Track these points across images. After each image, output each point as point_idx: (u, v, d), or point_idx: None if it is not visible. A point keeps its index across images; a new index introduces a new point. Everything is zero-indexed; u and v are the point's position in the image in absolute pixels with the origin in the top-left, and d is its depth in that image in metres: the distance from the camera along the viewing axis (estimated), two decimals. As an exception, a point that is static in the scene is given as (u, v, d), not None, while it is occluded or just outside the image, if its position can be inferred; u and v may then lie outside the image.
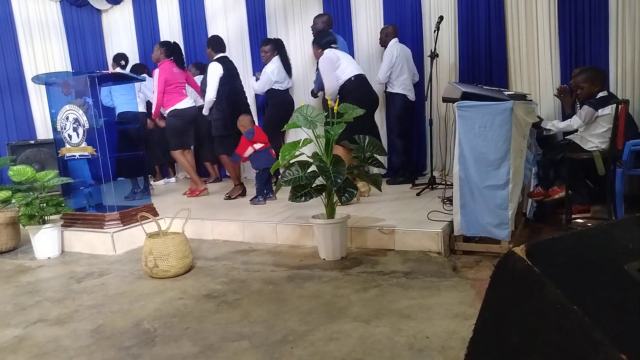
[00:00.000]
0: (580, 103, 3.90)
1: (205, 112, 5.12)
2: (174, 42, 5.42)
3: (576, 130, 3.61)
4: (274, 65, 5.52)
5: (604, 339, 0.78)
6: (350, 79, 4.53)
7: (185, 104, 5.20)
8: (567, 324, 0.84)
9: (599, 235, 1.05)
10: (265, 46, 5.61)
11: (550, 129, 3.67)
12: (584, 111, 3.45)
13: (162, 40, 6.49)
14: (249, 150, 4.61)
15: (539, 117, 3.64)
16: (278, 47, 5.63)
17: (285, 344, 2.04)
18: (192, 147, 5.72)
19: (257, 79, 5.71)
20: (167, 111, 5.19)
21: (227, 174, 5.29)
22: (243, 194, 4.99)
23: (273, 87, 5.59)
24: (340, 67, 4.54)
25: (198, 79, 5.95)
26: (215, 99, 4.97)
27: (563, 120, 3.75)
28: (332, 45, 4.66)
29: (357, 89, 4.47)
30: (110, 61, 6.03)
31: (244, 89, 5.29)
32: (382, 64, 5.15)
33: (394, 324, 2.15)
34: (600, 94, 3.50)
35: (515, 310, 0.96)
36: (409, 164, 5.32)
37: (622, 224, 1.07)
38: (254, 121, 5.07)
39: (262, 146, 4.65)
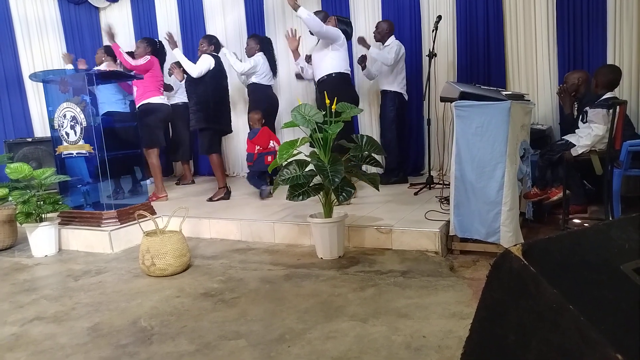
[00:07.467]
0: (578, 103, 3.91)
1: (188, 69, 4.82)
2: (160, 42, 5.35)
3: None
4: (258, 57, 5.50)
5: (600, 338, 0.78)
6: (331, 74, 4.53)
7: (159, 99, 5.09)
8: (563, 323, 0.84)
9: (595, 235, 1.05)
10: (249, 39, 5.67)
11: (581, 152, 3.47)
12: (599, 114, 3.36)
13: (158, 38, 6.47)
14: (256, 149, 4.76)
15: (565, 140, 3.57)
16: (264, 45, 5.61)
17: (282, 343, 2.04)
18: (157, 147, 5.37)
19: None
20: (139, 104, 4.99)
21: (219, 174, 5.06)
22: (226, 196, 4.90)
23: (255, 81, 5.51)
24: (336, 52, 4.52)
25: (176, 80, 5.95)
26: (199, 86, 4.80)
27: (564, 125, 3.71)
28: (346, 31, 4.76)
29: (336, 88, 4.36)
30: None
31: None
32: (389, 50, 4.93)
33: (391, 323, 2.15)
34: (607, 95, 3.47)
35: (512, 309, 0.96)
36: (404, 164, 5.29)
37: (618, 224, 1.08)
38: (262, 121, 5.02)
39: (259, 149, 4.75)
